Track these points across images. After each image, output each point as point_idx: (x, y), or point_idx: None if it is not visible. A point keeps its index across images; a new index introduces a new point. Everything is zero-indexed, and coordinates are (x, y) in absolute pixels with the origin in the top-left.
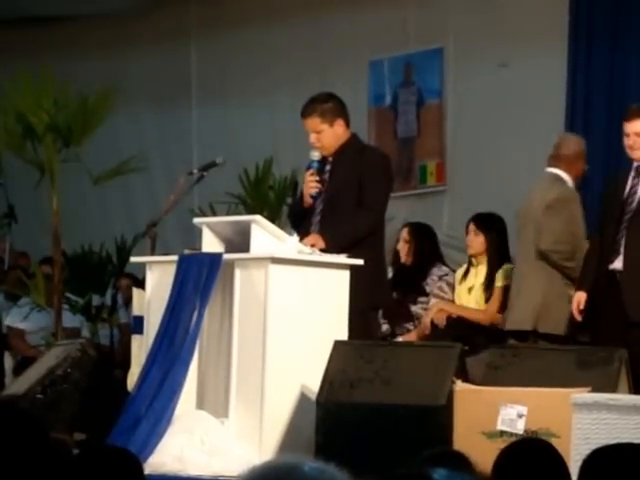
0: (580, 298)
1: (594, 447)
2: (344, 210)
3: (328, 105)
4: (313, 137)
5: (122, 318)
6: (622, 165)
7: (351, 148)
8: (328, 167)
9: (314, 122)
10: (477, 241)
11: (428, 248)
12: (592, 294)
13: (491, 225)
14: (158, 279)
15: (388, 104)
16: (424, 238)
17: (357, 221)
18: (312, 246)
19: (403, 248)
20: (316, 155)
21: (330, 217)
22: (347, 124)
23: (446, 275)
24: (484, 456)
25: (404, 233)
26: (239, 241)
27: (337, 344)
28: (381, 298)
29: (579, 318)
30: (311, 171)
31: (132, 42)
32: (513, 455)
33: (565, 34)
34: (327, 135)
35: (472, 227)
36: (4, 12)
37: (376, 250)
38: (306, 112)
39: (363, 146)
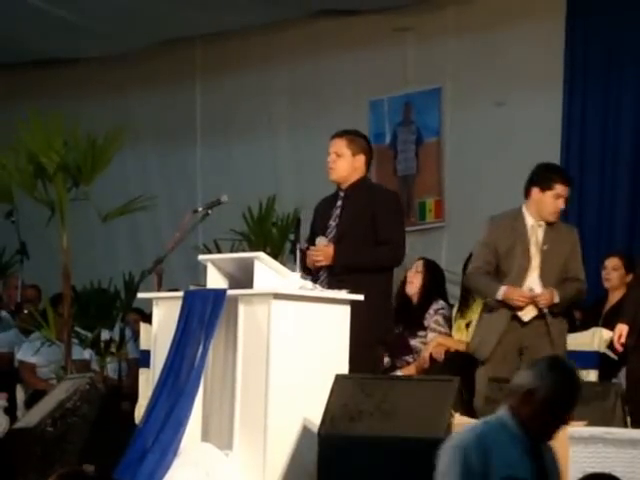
0: (622, 330)
1: None
2: (354, 244)
3: (359, 139)
4: (331, 157)
5: (130, 352)
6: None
7: (363, 186)
8: (339, 202)
9: (340, 143)
10: None
11: (435, 285)
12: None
13: None
14: (164, 314)
15: (388, 143)
16: (434, 275)
17: (379, 254)
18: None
19: (416, 278)
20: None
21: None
22: (367, 165)
23: (442, 309)
24: None
25: (419, 266)
26: (242, 277)
27: (338, 378)
28: (387, 331)
29: (620, 349)
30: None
31: (139, 83)
32: None
33: (561, 73)
34: (345, 161)
35: None
36: (15, 56)
37: (388, 285)
38: (337, 134)
39: (372, 184)
